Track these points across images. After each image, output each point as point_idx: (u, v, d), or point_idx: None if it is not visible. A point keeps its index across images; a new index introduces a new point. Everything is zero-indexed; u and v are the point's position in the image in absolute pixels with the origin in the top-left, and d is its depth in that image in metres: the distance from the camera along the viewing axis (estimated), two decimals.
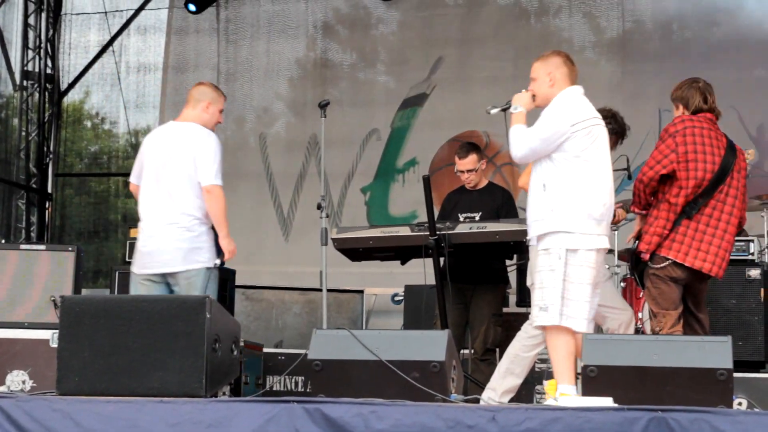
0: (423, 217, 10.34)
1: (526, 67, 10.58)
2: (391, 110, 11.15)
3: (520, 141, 5.50)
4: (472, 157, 7.39)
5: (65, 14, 12.08)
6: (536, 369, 7.22)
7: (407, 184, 11.06)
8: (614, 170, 6.02)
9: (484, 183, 7.52)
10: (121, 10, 12.01)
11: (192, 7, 11.52)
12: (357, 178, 11.14)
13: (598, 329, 7.12)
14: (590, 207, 5.38)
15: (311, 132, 11.13)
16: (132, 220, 11.55)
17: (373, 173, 11.17)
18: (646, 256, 5.86)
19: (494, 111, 5.86)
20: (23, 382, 6.67)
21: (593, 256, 5.37)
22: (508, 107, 5.70)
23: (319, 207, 5.80)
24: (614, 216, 6.56)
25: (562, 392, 5.11)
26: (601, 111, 6.38)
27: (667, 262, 5.82)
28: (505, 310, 7.48)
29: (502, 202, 7.41)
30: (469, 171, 7.40)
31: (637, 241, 6.06)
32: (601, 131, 5.54)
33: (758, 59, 10.07)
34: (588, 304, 5.35)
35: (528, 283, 6.26)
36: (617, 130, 6.47)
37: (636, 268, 6.03)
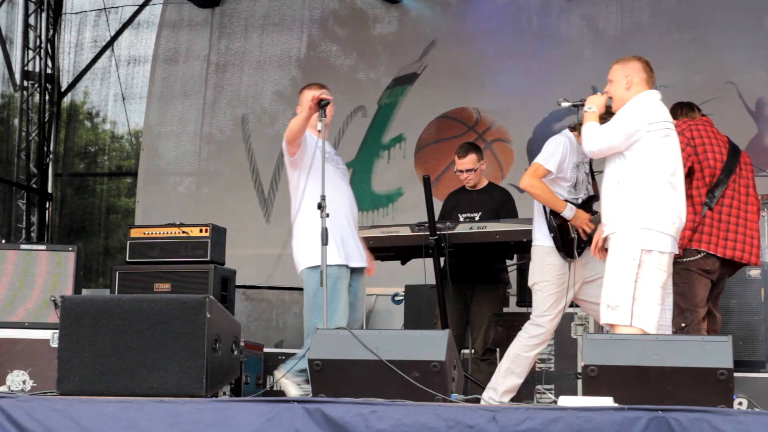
0: (408, 194, 10.45)
1: (523, 49, 10.59)
2: (380, 90, 11.09)
3: (596, 136, 5.54)
4: (471, 157, 7.39)
5: (65, 14, 12.08)
6: (536, 369, 7.23)
7: (392, 160, 10.95)
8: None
9: (484, 183, 7.52)
10: (117, 7, 12.00)
11: None
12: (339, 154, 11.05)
13: (602, 328, 7.13)
14: (663, 208, 5.43)
15: (293, 111, 11.09)
16: (132, 220, 11.56)
17: (356, 149, 11.04)
18: (680, 252, 5.89)
19: (565, 104, 5.88)
20: (24, 382, 6.67)
21: (666, 259, 5.42)
22: (581, 105, 5.75)
23: (319, 207, 5.77)
24: None
25: None
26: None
27: (699, 255, 5.88)
28: (505, 310, 7.49)
29: (502, 202, 7.41)
30: (468, 171, 7.40)
31: None
32: (675, 137, 5.58)
33: (756, 36, 10.04)
34: (659, 306, 5.39)
35: (529, 283, 6.26)
36: None
37: None
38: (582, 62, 10.28)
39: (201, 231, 7.87)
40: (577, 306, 6.67)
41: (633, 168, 5.47)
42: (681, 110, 6.25)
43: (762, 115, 9.94)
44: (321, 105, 6.07)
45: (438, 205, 7.34)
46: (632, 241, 5.40)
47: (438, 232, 6.84)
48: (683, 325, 5.82)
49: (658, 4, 10.54)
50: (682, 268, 5.91)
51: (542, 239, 6.18)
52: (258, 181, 11.16)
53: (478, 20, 10.86)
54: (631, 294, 5.35)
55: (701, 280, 5.89)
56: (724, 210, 5.93)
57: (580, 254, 6.14)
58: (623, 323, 5.36)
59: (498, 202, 7.40)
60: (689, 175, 5.94)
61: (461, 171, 7.43)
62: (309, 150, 6.16)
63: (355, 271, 6.24)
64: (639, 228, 5.40)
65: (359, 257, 6.26)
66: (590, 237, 6.25)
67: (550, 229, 6.12)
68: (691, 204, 5.92)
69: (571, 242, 6.14)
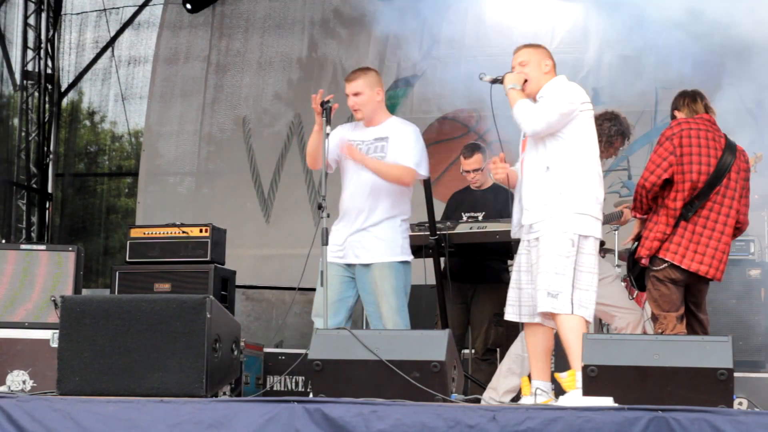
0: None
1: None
2: None
3: (536, 115, 5.37)
4: (477, 157, 7.40)
5: (65, 14, 12.08)
6: None
7: None
8: (615, 170, 6.05)
9: (489, 183, 7.52)
10: (118, 7, 12.01)
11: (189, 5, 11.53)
12: None
13: (602, 328, 7.12)
14: (596, 191, 5.37)
15: (294, 112, 11.09)
16: (132, 220, 11.56)
17: None
18: (646, 262, 5.86)
19: (487, 78, 5.65)
20: (24, 382, 6.67)
21: (597, 245, 5.37)
22: (500, 81, 5.57)
23: (320, 207, 5.72)
24: (623, 216, 6.55)
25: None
26: (603, 114, 6.38)
27: (665, 265, 5.82)
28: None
29: (505, 202, 7.39)
30: (474, 171, 7.41)
31: (636, 243, 6.06)
32: (593, 118, 5.52)
33: (755, 35, 10.03)
34: (595, 293, 5.33)
35: None
36: (622, 130, 6.48)
37: (632, 271, 6.03)
38: (583, 63, 10.28)
39: (201, 231, 7.88)
40: None
41: (566, 150, 5.36)
42: (683, 101, 6.08)
43: (762, 117, 9.93)
44: (324, 107, 5.89)
45: (439, 207, 7.33)
46: (570, 227, 5.29)
47: (438, 232, 6.84)
48: (660, 331, 5.81)
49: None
50: (651, 275, 5.89)
51: None
52: (258, 182, 11.16)
53: (478, 20, 10.85)
54: (571, 282, 5.25)
55: (670, 287, 5.84)
56: (699, 221, 5.82)
57: None
58: (564, 312, 5.25)
59: (502, 202, 7.38)
60: (668, 183, 5.83)
61: (467, 171, 7.43)
62: (333, 152, 5.97)
63: (361, 268, 5.97)
64: (575, 213, 5.30)
65: (352, 254, 5.96)
66: None
67: None
68: (665, 214, 5.85)
69: None
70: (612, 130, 6.33)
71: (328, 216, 5.69)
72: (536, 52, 5.60)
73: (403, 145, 5.97)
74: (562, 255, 5.27)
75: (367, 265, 5.95)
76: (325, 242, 5.67)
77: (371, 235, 5.94)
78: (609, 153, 6.46)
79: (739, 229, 6.02)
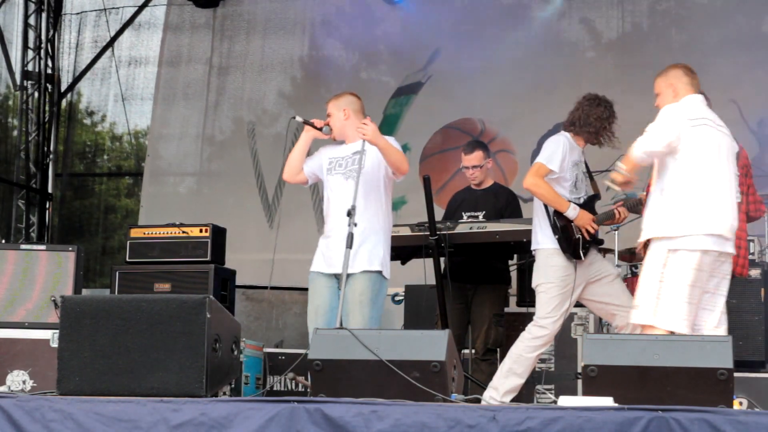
0: (411, 203, 10.43)
1: (527, 59, 10.54)
2: (384, 99, 11.01)
3: (639, 143, 5.52)
4: (478, 154, 7.41)
5: (65, 14, 12.09)
6: (536, 369, 7.23)
7: None
8: (602, 171, 6.07)
9: (489, 182, 7.53)
10: (118, 7, 12.01)
11: None
12: None
13: (602, 327, 7.12)
14: (698, 210, 5.41)
15: (294, 112, 11.05)
16: (132, 220, 11.56)
17: None
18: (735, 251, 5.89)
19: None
20: (24, 382, 6.67)
21: (696, 258, 5.38)
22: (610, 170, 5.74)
23: (349, 214, 5.79)
24: (616, 215, 6.53)
25: None
26: (595, 98, 6.35)
27: None
28: (505, 310, 7.49)
29: (506, 202, 7.41)
30: (474, 167, 7.41)
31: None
32: (711, 133, 5.53)
33: (757, 54, 10.06)
34: (686, 305, 5.36)
35: (533, 285, 6.25)
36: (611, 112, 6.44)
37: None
38: (584, 69, 10.27)
39: (201, 231, 7.88)
40: (577, 306, 6.66)
41: (673, 175, 5.48)
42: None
43: (763, 135, 9.94)
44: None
45: (440, 212, 7.33)
46: (662, 244, 5.43)
47: (438, 232, 6.84)
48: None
49: (657, 6, 10.54)
50: None
51: (545, 242, 6.16)
52: (262, 186, 11.16)
53: (481, 27, 10.83)
54: (656, 293, 5.38)
55: None
56: None
57: (585, 254, 6.12)
58: (646, 322, 5.38)
59: (502, 202, 7.40)
60: None
61: (467, 168, 7.44)
62: (315, 168, 6.37)
63: (348, 277, 5.79)
64: (669, 230, 5.42)
65: (338, 264, 5.83)
66: (594, 237, 6.24)
67: (554, 230, 6.10)
68: None
69: (576, 243, 6.12)
70: (606, 114, 6.31)
71: (356, 225, 5.71)
72: (663, 79, 5.71)
73: (388, 138, 6.17)
74: (650, 270, 5.44)
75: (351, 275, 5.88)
76: (349, 245, 5.66)
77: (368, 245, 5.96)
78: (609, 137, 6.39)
79: (753, 218, 6.21)
